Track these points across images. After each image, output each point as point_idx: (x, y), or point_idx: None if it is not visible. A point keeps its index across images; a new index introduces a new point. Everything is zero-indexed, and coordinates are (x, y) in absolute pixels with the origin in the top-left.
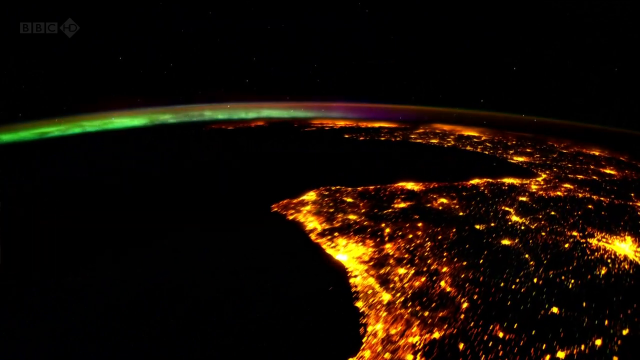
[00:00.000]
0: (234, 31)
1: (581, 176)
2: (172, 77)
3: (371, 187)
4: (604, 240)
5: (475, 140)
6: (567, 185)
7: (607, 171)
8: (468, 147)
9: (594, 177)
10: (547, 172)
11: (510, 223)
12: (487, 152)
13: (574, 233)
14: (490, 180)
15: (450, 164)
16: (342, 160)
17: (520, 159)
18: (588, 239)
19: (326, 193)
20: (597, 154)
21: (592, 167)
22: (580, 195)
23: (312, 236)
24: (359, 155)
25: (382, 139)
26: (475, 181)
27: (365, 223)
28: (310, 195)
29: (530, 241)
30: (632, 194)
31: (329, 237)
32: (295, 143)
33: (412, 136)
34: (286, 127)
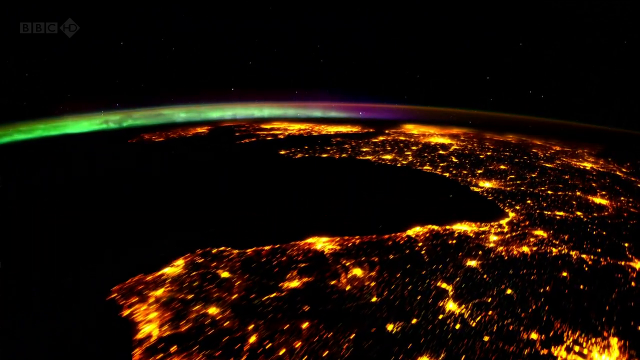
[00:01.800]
0: (232, 30)
1: (561, 213)
2: (165, 76)
3: (266, 248)
4: (577, 348)
5: (441, 152)
6: (539, 233)
7: (597, 200)
8: (426, 167)
9: (578, 212)
10: (518, 206)
11: (441, 317)
12: (447, 175)
13: (533, 335)
14: (436, 228)
15: (388, 202)
16: (247, 201)
17: (488, 184)
18: (552, 348)
19: (200, 261)
20: (588, 167)
21: (578, 193)
22: (554, 250)
23: (137, 353)
24: (272, 191)
25: (325, 155)
26: (414, 231)
27: (226, 324)
28: (176, 266)
29: (463, 358)
30: (626, 245)
31: (160, 354)
32: (208, 168)
33: (365, 149)
34: (226, 136)
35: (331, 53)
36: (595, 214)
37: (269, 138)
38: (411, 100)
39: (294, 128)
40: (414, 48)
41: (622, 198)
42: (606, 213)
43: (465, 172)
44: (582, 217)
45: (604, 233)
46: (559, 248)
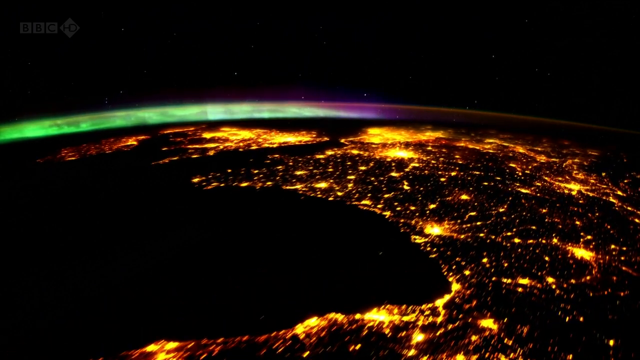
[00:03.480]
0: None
1: (525, 281)
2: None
3: None
4: None
5: (393, 175)
6: (487, 324)
7: (579, 253)
8: (365, 201)
9: (550, 278)
10: (468, 270)
11: None
12: (388, 214)
13: None
14: (341, 318)
15: (285, 274)
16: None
17: (437, 229)
18: None
19: None
20: (575, 191)
21: (555, 240)
22: None
23: None
24: (116, 259)
25: (245, 184)
26: (307, 325)
27: None
28: None
29: None
30: (611, 343)
31: None
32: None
33: (300, 172)
34: (150, 151)
35: (325, 50)
36: (572, 280)
37: (196, 156)
38: (399, 99)
39: (237, 137)
40: (411, 47)
41: (612, 246)
42: (588, 277)
43: (413, 207)
44: (553, 286)
45: (582, 319)
46: (511, 356)
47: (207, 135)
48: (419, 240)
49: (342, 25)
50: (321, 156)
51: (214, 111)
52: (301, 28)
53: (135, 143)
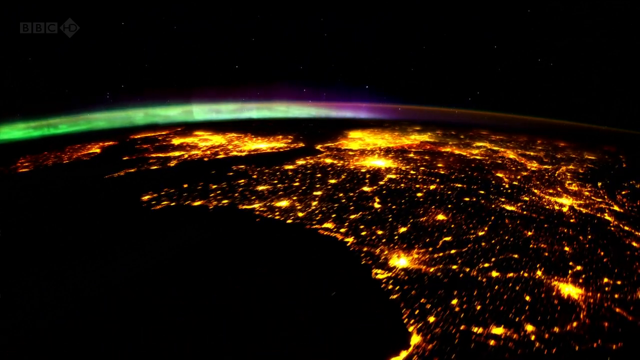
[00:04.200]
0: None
1: (499, 330)
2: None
3: None
4: None
5: (364, 189)
6: None
7: (566, 289)
8: (327, 224)
9: (529, 326)
10: (433, 316)
11: None
12: (350, 241)
13: None
14: None
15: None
16: None
17: (404, 260)
18: None
19: None
20: (566, 206)
21: (539, 273)
22: None
23: None
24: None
25: (198, 203)
26: None
27: None
28: None
29: None
30: None
31: None
32: None
33: (262, 188)
34: (110, 160)
35: (324, 48)
36: (556, 329)
37: (155, 167)
38: (397, 99)
39: (207, 144)
40: (410, 46)
41: (605, 280)
42: (575, 324)
43: (381, 232)
44: (533, 337)
45: None
46: None
47: (176, 141)
48: (380, 275)
49: (342, 25)
50: (290, 167)
51: (200, 111)
52: (301, 28)
53: (98, 151)
